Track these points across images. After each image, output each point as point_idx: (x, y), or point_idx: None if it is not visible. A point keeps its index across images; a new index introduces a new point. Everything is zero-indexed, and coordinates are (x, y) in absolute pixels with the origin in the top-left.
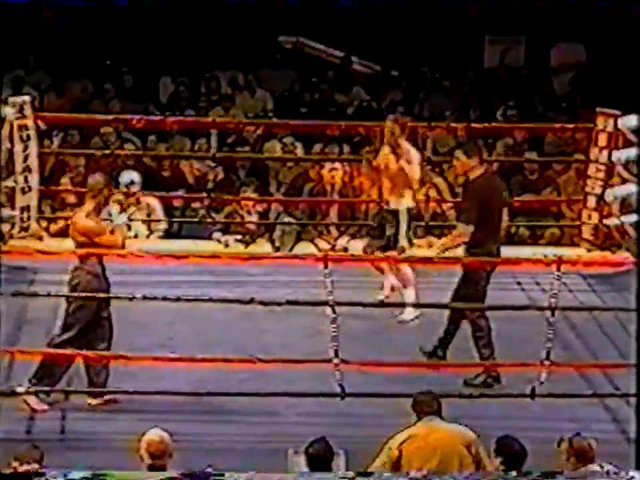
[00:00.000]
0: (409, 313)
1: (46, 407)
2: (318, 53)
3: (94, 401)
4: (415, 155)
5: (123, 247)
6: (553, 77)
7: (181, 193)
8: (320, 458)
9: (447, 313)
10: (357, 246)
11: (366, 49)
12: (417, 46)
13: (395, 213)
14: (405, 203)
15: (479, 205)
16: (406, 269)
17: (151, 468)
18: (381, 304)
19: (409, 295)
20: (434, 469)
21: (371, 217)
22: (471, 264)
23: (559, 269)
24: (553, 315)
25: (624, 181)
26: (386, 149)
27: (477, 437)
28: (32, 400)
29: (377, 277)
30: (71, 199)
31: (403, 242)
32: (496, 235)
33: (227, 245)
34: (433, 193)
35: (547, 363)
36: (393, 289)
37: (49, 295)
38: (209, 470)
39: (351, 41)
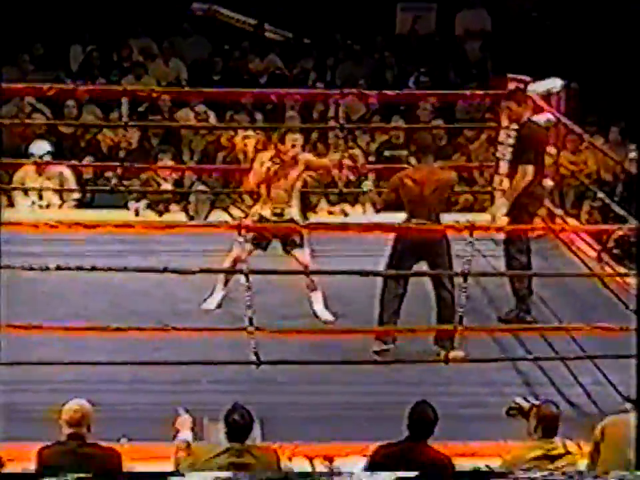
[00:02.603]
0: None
1: None
2: (230, 20)
3: None
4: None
5: None
6: (463, 44)
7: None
8: (240, 427)
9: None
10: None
11: (278, 16)
12: (329, 13)
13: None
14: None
15: (534, 148)
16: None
17: (70, 437)
18: (296, 272)
19: (317, 297)
20: None
21: None
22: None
23: (471, 235)
24: (465, 280)
25: None
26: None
27: None
28: None
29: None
30: None
31: (296, 218)
32: (542, 178)
33: (137, 214)
34: (346, 161)
35: (459, 327)
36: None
37: None
38: (123, 440)
39: (263, 8)
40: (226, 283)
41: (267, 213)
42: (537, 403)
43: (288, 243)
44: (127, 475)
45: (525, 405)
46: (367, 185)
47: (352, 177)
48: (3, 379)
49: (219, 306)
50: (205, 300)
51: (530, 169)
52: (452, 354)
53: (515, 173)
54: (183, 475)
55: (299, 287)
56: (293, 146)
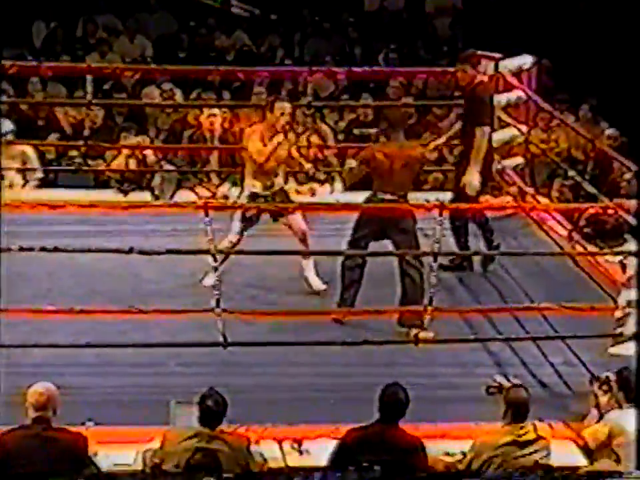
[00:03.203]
0: None
1: None
2: None
3: None
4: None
5: None
6: (433, 20)
7: (56, 140)
8: (213, 412)
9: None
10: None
11: None
12: None
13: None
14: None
15: (489, 109)
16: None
17: (35, 420)
18: (264, 252)
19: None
20: None
21: None
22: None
23: (441, 214)
24: (435, 260)
25: (505, 125)
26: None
27: None
28: None
29: (259, 225)
30: None
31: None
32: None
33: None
34: (314, 139)
35: (429, 308)
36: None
37: None
38: (89, 423)
39: None
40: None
41: (258, 189)
42: (516, 381)
43: (279, 212)
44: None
45: (506, 383)
46: (351, 164)
47: (320, 156)
48: None
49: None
50: (202, 279)
51: (487, 129)
52: (421, 334)
53: (469, 136)
54: None
55: (268, 266)
56: (282, 114)
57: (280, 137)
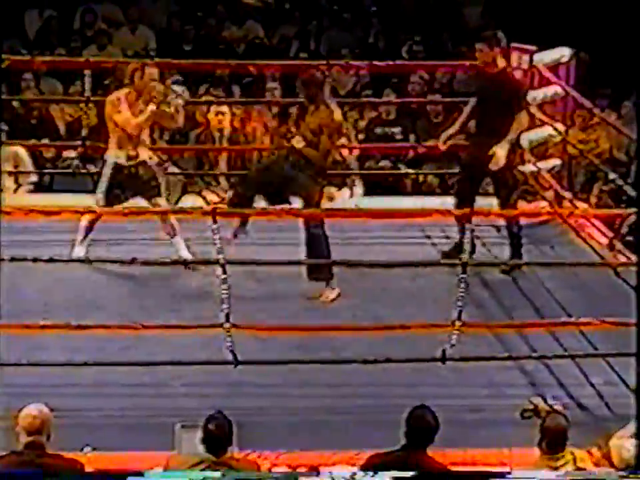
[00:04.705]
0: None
1: None
2: None
3: None
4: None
5: None
6: (462, 9)
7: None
8: (216, 438)
9: None
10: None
11: None
12: None
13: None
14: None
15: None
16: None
17: (28, 446)
18: (276, 262)
19: (178, 242)
20: None
21: None
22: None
23: (470, 221)
24: (464, 271)
25: (540, 124)
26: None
27: None
28: None
29: (273, 233)
30: None
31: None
32: None
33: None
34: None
35: (458, 323)
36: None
37: None
38: (87, 449)
39: None
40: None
41: (122, 159)
42: (555, 403)
43: (147, 189)
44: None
45: (542, 406)
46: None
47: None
48: None
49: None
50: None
51: (525, 118)
52: (324, 293)
53: (500, 123)
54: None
55: (280, 277)
56: (152, 80)
57: (152, 107)
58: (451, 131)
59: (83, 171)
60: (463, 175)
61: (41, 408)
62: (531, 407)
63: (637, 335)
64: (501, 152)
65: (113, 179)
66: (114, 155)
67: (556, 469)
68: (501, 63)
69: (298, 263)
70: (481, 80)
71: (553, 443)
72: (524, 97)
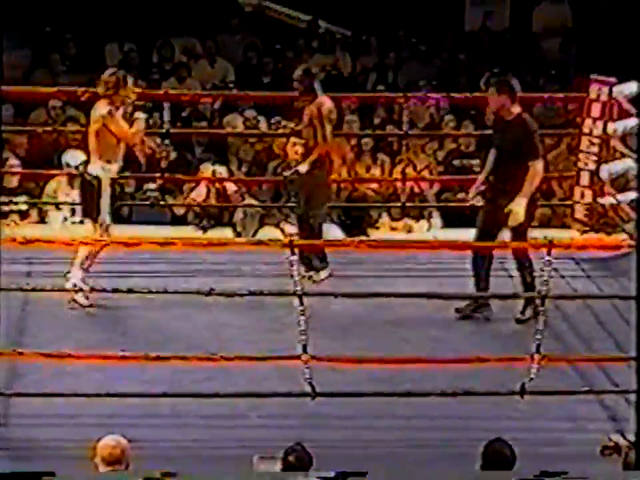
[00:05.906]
0: None
1: None
2: (282, 16)
3: None
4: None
5: None
6: (541, 41)
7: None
8: (298, 469)
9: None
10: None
11: (335, 11)
12: (392, 8)
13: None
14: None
15: (538, 141)
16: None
17: None
18: (354, 294)
19: (75, 276)
20: None
21: None
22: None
23: (549, 253)
24: (543, 303)
25: (620, 156)
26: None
27: None
28: None
29: (352, 265)
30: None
31: (103, 215)
32: None
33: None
34: (410, 171)
35: (537, 356)
36: None
37: None
38: None
39: (318, 2)
40: None
41: (113, 172)
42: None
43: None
44: None
45: (623, 443)
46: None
47: (416, 189)
48: (23, 412)
49: None
50: None
51: (541, 165)
52: (315, 276)
53: (508, 169)
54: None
55: (360, 309)
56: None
57: (142, 115)
58: (478, 183)
59: (162, 202)
60: (479, 232)
61: (118, 439)
62: (611, 444)
63: (637, 339)
64: (518, 209)
65: (113, 193)
66: (107, 169)
67: None
68: (515, 109)
69: (374, 295)
70: (496, 126)
71: None
72: (538, 143)
